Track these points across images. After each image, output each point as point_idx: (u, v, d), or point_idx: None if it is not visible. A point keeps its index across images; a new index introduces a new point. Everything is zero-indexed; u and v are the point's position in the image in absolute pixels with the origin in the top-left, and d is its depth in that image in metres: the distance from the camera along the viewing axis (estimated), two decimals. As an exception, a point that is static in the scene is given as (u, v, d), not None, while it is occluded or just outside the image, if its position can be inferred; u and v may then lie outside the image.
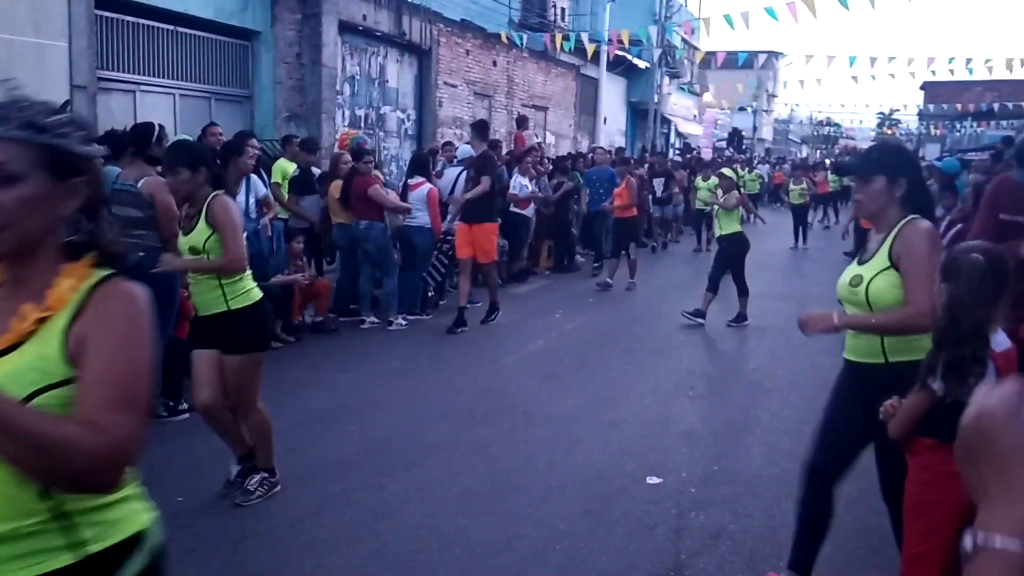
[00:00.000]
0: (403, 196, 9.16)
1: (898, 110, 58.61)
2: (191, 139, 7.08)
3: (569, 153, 17.11)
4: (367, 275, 8.84)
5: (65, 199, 1.50)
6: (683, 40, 29.29)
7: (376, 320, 8.82)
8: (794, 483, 3.57)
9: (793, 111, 61.30)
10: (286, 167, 8.61)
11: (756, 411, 6.21)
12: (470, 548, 3.93)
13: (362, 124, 12.96)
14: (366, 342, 8.18)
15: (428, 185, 9.13)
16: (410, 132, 14.61)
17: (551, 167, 13.85)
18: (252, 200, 7.32)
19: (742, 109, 45.22)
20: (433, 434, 5.53)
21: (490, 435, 5.54)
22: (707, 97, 39.61)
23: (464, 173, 9.35)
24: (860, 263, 3.18)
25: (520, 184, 11.70)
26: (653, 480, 4.80)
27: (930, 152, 34.59)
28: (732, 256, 9.38)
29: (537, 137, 18.44)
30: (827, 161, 30.98)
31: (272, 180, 8.32)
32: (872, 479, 3.28)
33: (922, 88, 41.69)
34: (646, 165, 17.28)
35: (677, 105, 31.79)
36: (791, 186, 19.21)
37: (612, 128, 25.30)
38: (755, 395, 6.67)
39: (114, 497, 1.54)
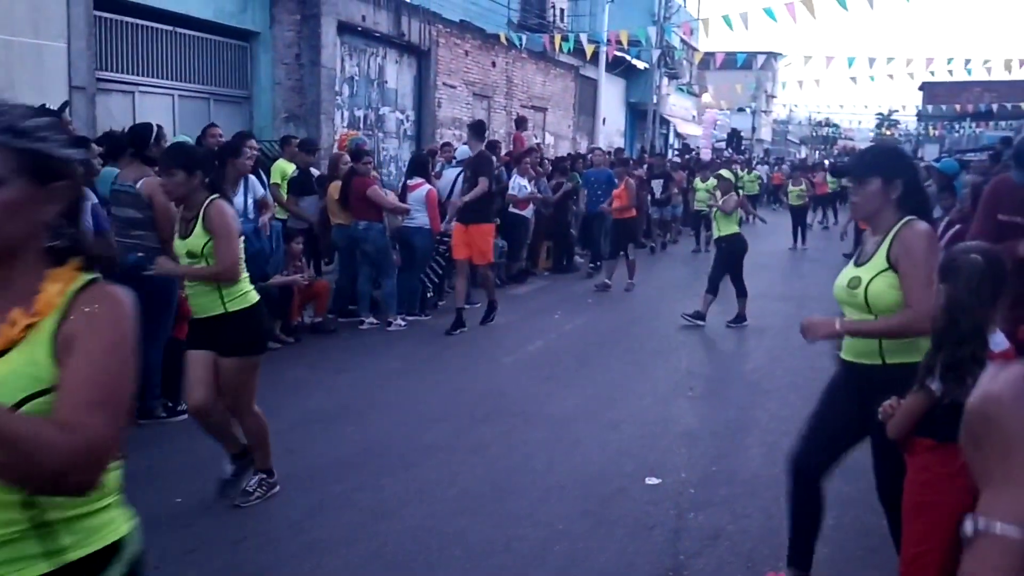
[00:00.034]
0: (402, 197, 9.16)
1: (897, 111, 58.66)
2: (190, 141, 7.09)
3: (569, 154, 17.10)
4: (366, 276, 8.84)
5: (46, 204, 1.49)
6: (682, 41, 29.32)
7: (375, 321, 8.82)
8: (793, 484, 3.57)
9: (792, 112, 61.40)
10: (285, 168, 8.61)
11: (755, 412, 6.21)
12: (469, 549, 3.93)
13: (361, 125, 12.96)
14: (365, 343, 8.18)
15: (427, 186, 9.12)
16: (409, 133, 14.61)
17: (551, 168, 13.85)
18: (251, 200, 7.32)
19: (741, 110, 45.24)
20: (432, 435, 5.53)
21: (489, 436, 5.54)
22: (706, 98, 39.63)
23: (463, 174, 9.35)
24: (857, 265, 3.18)
25: (519, 185, 11.71)
26: (652, 481, 4.81)
27: (929, 153, 34.64)
28: (730, 257, 9.39)
29: (536, 138, 18.45)
30: (826, 162, 31.03)
31: (271, 181, 8.32)
32: (871, 480, 3.28)
33: (921, 89, 41.71)
34: (645, 166, 17.27)
35: (676, 106, 31.81)
36: (790, 187, 19.23)
37: (611, 129, 25.31)
38: (754, 396, 6.67)
39: (95, 505, 1.54)
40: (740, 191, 11.52)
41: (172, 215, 4.63)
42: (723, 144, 35.97)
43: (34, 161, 1.45)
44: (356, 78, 12.87)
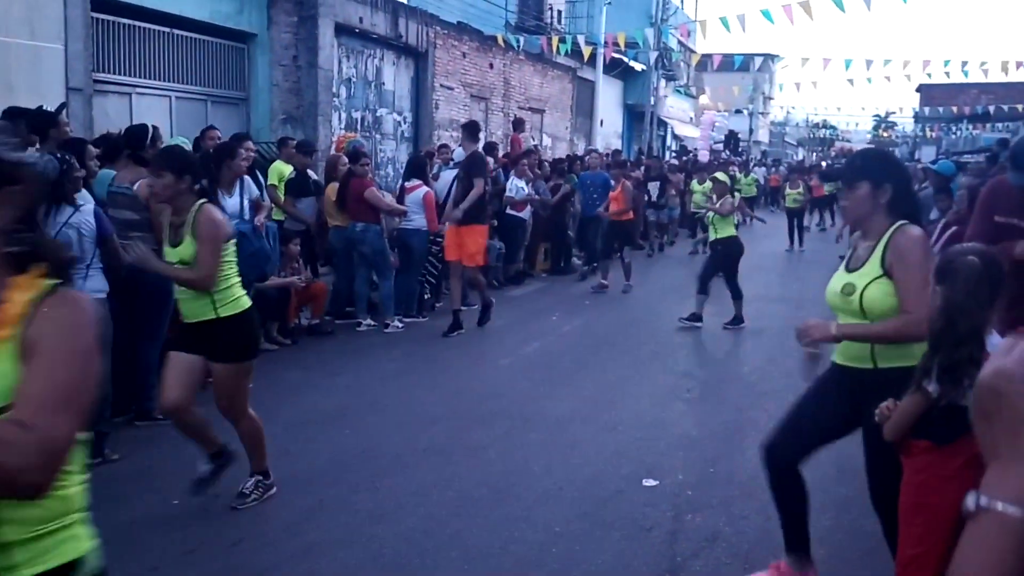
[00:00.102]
0: (399, 199, 9.16)
1: (894, 112, 58.83)
2: (188, 143, 7.09)
3: (567, 156, 17.10)
4: (363, 277, 8.83)
5: None
6: (679, 43, 29.37)
7: (372, 323, 8.81)
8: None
9: (789, 114, 61.44)
10: (282, 169, 8.60)
11: (752, 413, 6.21)
12: (466, 551, 3.93)
13: (358, 126, 12.95)
14: (362, 345, 8.18)
15: (424, 188, 9.12)
16: (406, 134, 14.61)
17: (549, 170, 13.84)
18: (246, 201, 7.32)
19: (738, 112, 45.32)
20: (429, 437, 5.53)
21: (486, 438, 5.53)
22: (703, 100, 39.70)
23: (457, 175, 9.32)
24: (849, 270, 3.17)
25: (516, 187, 11.70)
26: (649, 483, 4.81)
27: (926, 155, 34.74)
28: (726, 260, 9.39)
29: (533, 139, 18.46)
30: (823, 164, 31.05)
31: (268, 182, 8.31)
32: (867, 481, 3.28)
33: (918, 91, 41.77)
34: (642, 168, 17.27)
35: (673, 107, 31.84)
36: (787, 190, 19.23)
37: (608, 130, 25.33)
38: (751, 398, 6.67)
39: (56, 524, 1.53)
40: (738, 193, 11.53)
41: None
42: (721, 146, 36.03)
43: None
44: (353, 80, 12.86)
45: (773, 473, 3.42)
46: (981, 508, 0.96)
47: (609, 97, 25.31)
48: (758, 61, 32.66)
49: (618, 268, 11.74)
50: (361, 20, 12.55)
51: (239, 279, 4.29)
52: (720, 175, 10.27)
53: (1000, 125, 34.63)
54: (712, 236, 9.56)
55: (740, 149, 39.46)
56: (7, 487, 1.37)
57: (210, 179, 5.37)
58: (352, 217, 8.53)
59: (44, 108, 6.13)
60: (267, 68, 11.23)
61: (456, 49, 15.68)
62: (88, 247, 4.87)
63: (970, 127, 37.53)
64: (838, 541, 4.05)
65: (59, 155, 4.82)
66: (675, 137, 32.39)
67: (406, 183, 9.26)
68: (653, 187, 16.21)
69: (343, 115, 12.57)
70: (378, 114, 13.68)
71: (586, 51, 19.64)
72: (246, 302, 4.27)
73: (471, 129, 9.03)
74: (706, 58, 23.34)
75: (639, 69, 25.74)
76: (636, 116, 27.95)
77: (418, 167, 9.43)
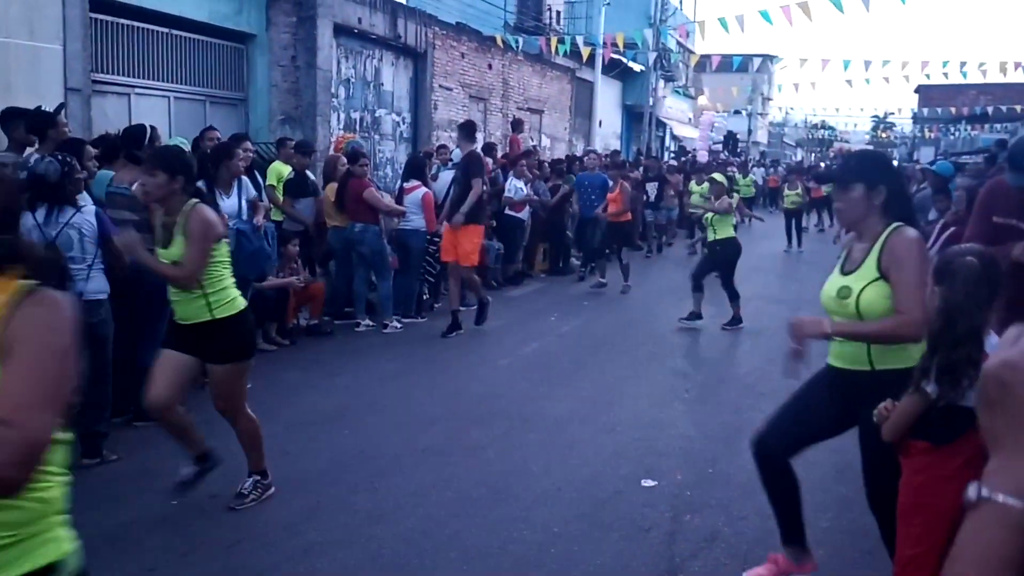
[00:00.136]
0: (398, 199, 9.15)
1: (892, 113, 58.73)
2: (186, 143, 7.09)
3: (566, 156, 17.10)
4: (362, 278, 8.83)
5: None
6: (678, 43, 29.37)
7: (371, 323, 8.81)
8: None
9: (788, 114, 61.43)
10: (281, 170, 8.60)
11: (751, 414, 6.20)
12: (465, 551, 3.93)
13: (357, 127, 12.95)
14: (361, 345, 8.17)
15: (423, 188, 9.11)
16: (405, 135, 14.60)
17: (548, 170, 13.83)
18: (244, 201, 7.32)
19: (737, 112, 45.33)
20: (428, 437, 5.53)
21: (485, 438, 5.53)
22: (702, 100, 39.72)
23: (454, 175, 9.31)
24: (844, 273, 3.16)
25: (515, 187, 11.70)
26: (648, 483, 4.81)
27: (924, 155, 34.73)
28: (724, 261, 9.39)
29: (532, 140, 18.46)
30: (822, 164, 31.05)
31: (267, 183, 8.31)
32: (867, 482, 3.28)
33: (916, 91, 41.77)
34: (641, 168, 17.26)
35: (672, 108, 31.85)
36: (786, 191, 19.24)
37: (607, 131, 25.34)
38: (750, 398, 6.67)
39: (36, 527, 1.53)
40: (736, 194, 11.53)
41: None
42: (719, 147, 36.05)
43: None
44: (352, 80, 12.86)
45: (763, 467, 3.44)
46: (982, 499, 0.96)
47: (608, 98, 25.31)
48: (757, 62, 32.67)
49: (616, 268, 11.74)
50: (360, 21, 12.55)
51: (233, 280, 4.28)
52: (717, 176, 10.27)
53: (998, 126, 34.64)
54: (711, 237, 9.56)
55: (739, 150, 39.50)
56: None
57: (208, 180, 5.37)
58: (351, 218, 8.53)
59: (43, 108, 6.13)
60: (266, 68, 11.23)
61: (455, 50, 15.68)
62: (90, 248, 4.87)
63: (968, 128, 37.53)
64: (838, 541, 4.05)
65: (60, 156, 4.83)
66: (674, 138, 32.41)
67: (405, 184, 9.26)
68: (651, 188, 16.21)
69: (342, 115, 12.57)
70: (377, 115, 13.68)
71: (585, 52, 19.64)
72: (241, 303, 4.26)
73: (467, 129, 9.00)
74: (705, 59, 23.37)
75: (638, 70, 25.76)
76: (635, 117, 27.96)
77: (417, 168, 9.43)
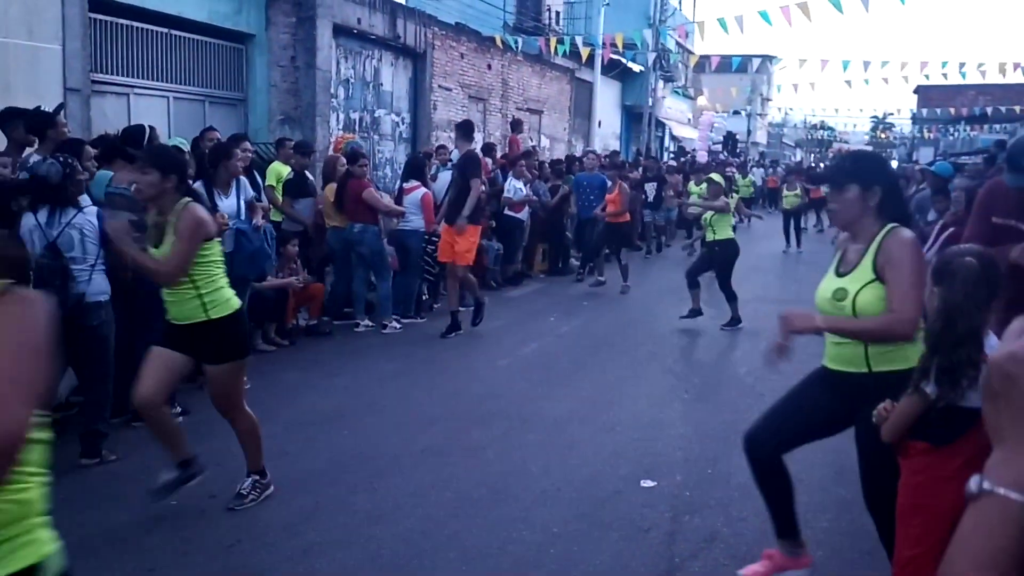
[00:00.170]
0: (398, 200, 9.15)
1: (892, 114, 58.79)
2: (186, 143, 7.08)
3: (565, 157, 17.10)
4: (361, 278, 8.83)
5: None
6: (677, 44, 29.39)
7: (370, 323, 8.81)
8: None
9: (787, 115, 61.46)
10: (280, 170, 8.60)
11: (750, 414, 6.15)
12: (464, 552, 3.93)
13: (356, 127, 12.96)
14: (360, 346, 8.17)
15: (423, 189, 9.12)
16: (404, 135, 14.61)
17: (548, 171, 13.83)
18: (243, 201, 7.32)
19: (736, 113, 45.34)
20: (427, 438, 5.53)
21: (484, 439, 5.53)
22: (701, 101, 39.72)
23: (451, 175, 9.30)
24: (839, 274, 3.14)
25: (514, 188, 11.70)
26: (647, 483, 4.81)
27: (923, 156, 34.73)
28: (722, 262, 9.39)
29: (532, 140, 18.46)
30: (821, 165, 31.06)
31: (266, 183, 8.31)
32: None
33: (916, 92, 41.80)
34: (640, 169, 17.26)
35: (672, 109, 31.87)
36: (785, 191, 19.25)
37: (607, 131, 25.35)
38: (749, 399, 6.66)
39: (15, 529, 1.53)
40: (735, 194, 11.54)
41: None
42: (719, 147, 36.05)
43: None
44: (351, 80, 12.86)
45: (755, 463, 3.44)
46: (983, 491, 0.97)
47: (607, 98, 25.33)
48: (756, 62, 32.71)
49: (615, 268, 11.74)
50: (359, 21, 12.56)
51: (227, 280, 4.26)
52: (715, 176, 10.27)
53: (998, 126, 34.66)
54: (709, 237, 9.56)
55: (738, 150, 39.53)
56: None
57: (206, 180, 5.35)
58: (350, 218, 8.53)
59: (42, 108, 6.13)
60: (265, 69, 11.23)
61: (454, 50, 15.69)
62: (91, 249, 4.87)
63: (968, 128, 37.55)
64: (837, 542, 4.06)
65: (62, 157, 4.82)
66: (673, 138, 32.42)
67: (404, 184, 9.26)
68: (650, 188, 16.22)
69: (341, 116, 12.58)
70: (376, 115, 13.69)
71: (584, 52, 19.65)
72: (236, 302, 4.25)
73: (465, 128, 8.98)
74: (704, 59, 23.39)
75: (637, 70, 25.78)
76: (634, 117, 27.97)
77: (416, 168, 9.43)
